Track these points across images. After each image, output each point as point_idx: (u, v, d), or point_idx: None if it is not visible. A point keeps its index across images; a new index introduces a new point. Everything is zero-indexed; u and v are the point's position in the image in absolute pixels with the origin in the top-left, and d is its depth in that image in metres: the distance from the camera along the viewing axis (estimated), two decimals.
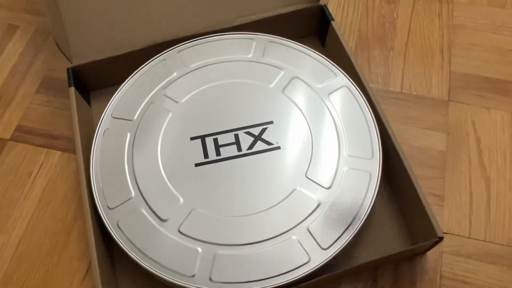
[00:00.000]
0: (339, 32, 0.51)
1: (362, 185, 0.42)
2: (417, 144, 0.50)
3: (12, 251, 0.46)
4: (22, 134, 0.52)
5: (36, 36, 0.59)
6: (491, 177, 0.48)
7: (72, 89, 0.48)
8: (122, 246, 0.40)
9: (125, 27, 0.51)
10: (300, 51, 0.50)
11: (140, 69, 0.49)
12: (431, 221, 0.40)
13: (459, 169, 0.49)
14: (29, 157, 0.51)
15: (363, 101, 0.46)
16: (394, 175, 0.45)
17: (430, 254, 0.45)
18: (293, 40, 0.51)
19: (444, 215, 0.47)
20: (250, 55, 0.50)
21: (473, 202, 0.47)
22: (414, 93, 0.54)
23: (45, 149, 0.51)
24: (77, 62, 0.50)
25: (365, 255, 0.44)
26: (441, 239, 0.39)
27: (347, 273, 0.41)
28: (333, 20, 0.52)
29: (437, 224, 0.40)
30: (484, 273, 0.44)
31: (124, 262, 0.44)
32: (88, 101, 0.53)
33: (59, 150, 0.51)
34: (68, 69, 0.49)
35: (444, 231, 0.46)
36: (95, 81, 0.53)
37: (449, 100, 0.53)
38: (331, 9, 0.60)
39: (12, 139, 0.52)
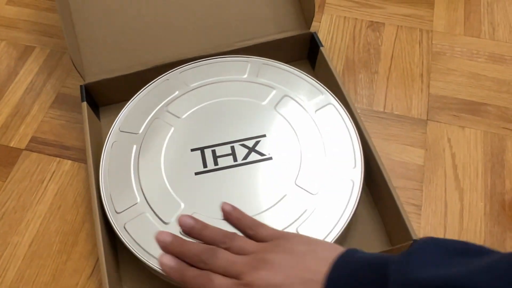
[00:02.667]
0: (327, 57, 0.56)
1: (345, 191, 0.46)
2: (397, 158, 0.55)
3: (25, 250, 0.50)
4: (36, 145, 0.57)
5: (51, 56, 0.65)
6: (464, 189, 0.53)
7: (85, 104, 0.53)
8: (129, 247, 0.44)
9: (133, 49, 0.57)
10: (290, 72, 0.55)
11: (146, 87, 0.54)
12: (407, 226, 0.44)
13: (435, 182, 0.53)
14: (42, 166, 0.55)
15: (347, 117, 0.51)
16: (375, 184, 0.50)
17: None
18: (286, 63, 0.56)
19: (421, 223, 0.51)
20: (245, 76, 0.55)
21: (447, 212, 0.52)
22: (396, 112, 0.59)
23: (57, 159, 0.56)
24: (89, 80, 0.55)
25: None
26: (415, 241, 0.44)
27: None
28: (322, 46, 0.57)
29: (412, 228, 0.44)
30: None
31: (127, 261, 0.48)
32: (97, 115, 0.57)
33: (70, 160, 0.56)
34: (81, 86, 0.54)
35: (421, 237, 0.50)
36: (104, 97, 0.58)
37: (427, 119, 0.58)
38: (321, 36, 0.66)
39: (27, 149, 0.57)
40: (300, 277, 0.33)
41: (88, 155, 0.49)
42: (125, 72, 0.56)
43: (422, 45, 0.65)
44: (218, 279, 0.37)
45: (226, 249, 0.39)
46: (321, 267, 0.33)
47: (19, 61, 0.64)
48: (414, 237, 0.43)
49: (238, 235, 0.42)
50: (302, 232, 0.44)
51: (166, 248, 0.42)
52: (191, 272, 0.39)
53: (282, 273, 0.34)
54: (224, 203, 0.45)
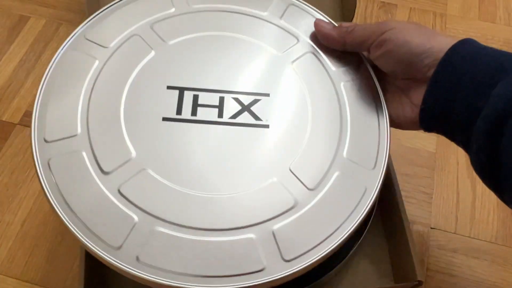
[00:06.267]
0: None
1: (352, 197, 0.34)
2: (408, 144, 0.53)
3: (16, 230, 0.47)
4: (30, 120, 0.54)
5: (46, 27, 0.61)
6: (477, 178, 0.50)
7: None
8: (45, 188, 0.32)
9: None
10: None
11: None
12: (414, 264, 0.38)
13: (447, 169, 0.52)
14: None
15: (378, 95, 0.39)
16: (386, 205, 0.43)
17: (417, 246, 0.47)
18: None
19: (432, 211, 0.49)
20: (265, 13, 0.42)
21: (459, 201, 0.50)
22: None
23: None
24: None
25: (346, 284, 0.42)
26: (420, 282, 0.38)
27: None
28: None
29: (420, 268, 0.38)
30: (468, 267, 0.46)
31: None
32: None
33: None
34: None
35: (432, 227, 0.48)
36: None
37: None
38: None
39: (21, 123, 0.54)
40: None
41: None
42: None
43: (436, 29, 0.63)
44: None
45: None
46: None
47: (12, 31, 0.61)
48: (419, 278, 0.37)
49: None
50: (278, 235, 0.32)
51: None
52: None
53: None
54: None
